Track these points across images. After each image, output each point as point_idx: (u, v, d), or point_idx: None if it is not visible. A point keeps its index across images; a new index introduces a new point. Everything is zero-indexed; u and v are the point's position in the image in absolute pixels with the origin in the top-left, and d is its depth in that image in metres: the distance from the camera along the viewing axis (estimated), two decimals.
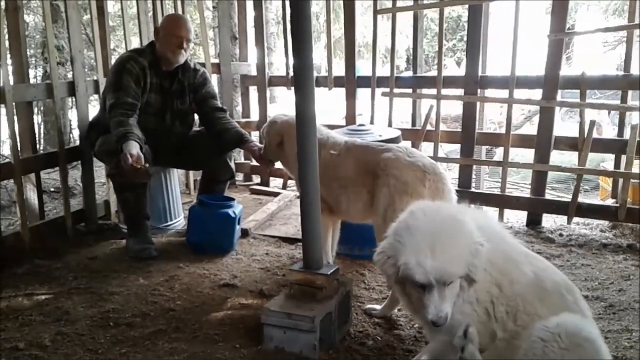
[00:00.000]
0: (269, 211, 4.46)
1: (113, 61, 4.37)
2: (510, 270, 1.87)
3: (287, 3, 3.57)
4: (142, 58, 3.61)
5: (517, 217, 4.44)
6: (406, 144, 3.63)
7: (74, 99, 4.14)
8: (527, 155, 4.92)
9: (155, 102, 3.68)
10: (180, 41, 3.61)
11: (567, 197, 4.27)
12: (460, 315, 1.82)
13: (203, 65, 4.63)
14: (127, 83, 3.49)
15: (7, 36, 3.56)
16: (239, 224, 3.69)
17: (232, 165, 4.05)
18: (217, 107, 3.87)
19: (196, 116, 3.99)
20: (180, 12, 4.91)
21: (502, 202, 4.35)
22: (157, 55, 3.66)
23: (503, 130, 4.40)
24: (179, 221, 4.17)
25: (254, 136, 5.71)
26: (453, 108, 9.02)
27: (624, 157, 3.93)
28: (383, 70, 4.90)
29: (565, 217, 4.12)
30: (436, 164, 2.85)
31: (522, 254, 1.95)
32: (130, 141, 3.21)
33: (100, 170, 4.71)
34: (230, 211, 3.60)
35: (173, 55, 3.64)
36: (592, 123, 3.95)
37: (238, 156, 5.62)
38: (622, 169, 3.96)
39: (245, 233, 3.92)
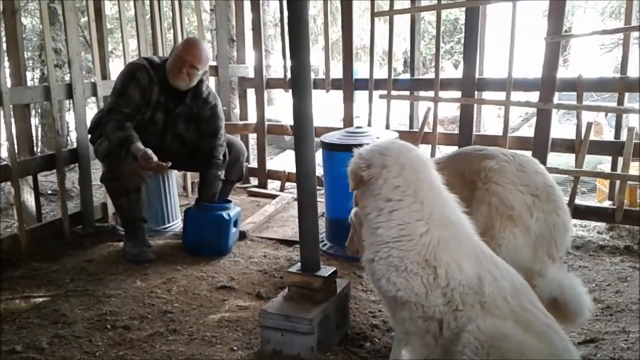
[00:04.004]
0: (266, 213, 4.46)
1: (110, 64, 4.39)
2: (443, 260, 1.89)
3: (285, 5, 3.57)
4: (155, 72, 3.49)
5: None
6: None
7: (71, 102, 4.14)
8: None
9: (159, 121, 3.60)
10: (182, 63, 3.44)
11: (564, 199, 4.28)
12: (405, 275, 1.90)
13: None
14: (132, 92, 3.43)
15: (4, 39, 3.57)
16: (235, 226, 3.69)
17: (244, 166, 4.04)
18: (211, 151, 3.68)
19: None
20: (177, 14, 4.91)
21: None
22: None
23: (500, 132, 4.40)
24: (177, 224, 4.17)
25: (252, 138, 5.72)
26: (450, 110, 9.03)
27: (620, 159, 3.93)
28: (380, 73, 4.91)
29: None
30: (553, 186, 2.42)
31: (470, 248, 1.95)
32: (136, 143, 3.25)
33: (97, 173, 4.70)
34: (224, 213, 3.59)
35: (172, 77, 3.49)
36: (589, 125, 3.96)
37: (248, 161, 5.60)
38: (619, 171, 3.96)
39: (243, 235, 3.92)
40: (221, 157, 3.76)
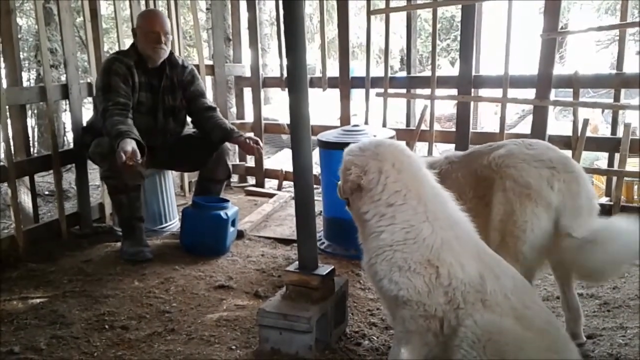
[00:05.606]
0: (264, 212, 4.46)
1: None
2: (446, 260, 1.88)
3: (281, 4, 3.56)
4: (127, 58, 3.61)
5: None
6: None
7: (67, 102, 4.13)
8: None
9: (146, 100, 3.69)
10: (157, 36, 3.59)
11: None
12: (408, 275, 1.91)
13: (197, 66, 4.61)
14: (116, 84, 3.50)
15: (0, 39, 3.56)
16: (233, 225, 3.69)
17: (230, 164, 4.03)
18: (206, 107, 3.87)
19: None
20: (173, 13, 4.90)
21: None
22: (140, 55, 3.66)
23: (497, 130, 4.41)
24: (174, 223, 4.17)
25: None
26: (447, 107, 9.04)
27: (617, 156, 3.94)
28: (377, 71, 4.90)
29: None
30: (569, 159, 2.31)
31: (472, 247, 1.95)
32: (126, 139, 3.20)
33: (94, 173, 4.69)
34: (222, 213, 3.58)
35: (154, 52, 3.63)
36: (586, 122, 3.97)
37: (233, 157, 5.61)
38: (615, 167, 3.97)
39: (240, 234, 3.92)
40: (218, 110, 3.96)
